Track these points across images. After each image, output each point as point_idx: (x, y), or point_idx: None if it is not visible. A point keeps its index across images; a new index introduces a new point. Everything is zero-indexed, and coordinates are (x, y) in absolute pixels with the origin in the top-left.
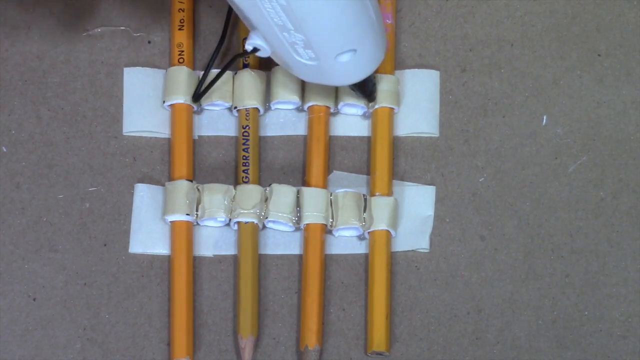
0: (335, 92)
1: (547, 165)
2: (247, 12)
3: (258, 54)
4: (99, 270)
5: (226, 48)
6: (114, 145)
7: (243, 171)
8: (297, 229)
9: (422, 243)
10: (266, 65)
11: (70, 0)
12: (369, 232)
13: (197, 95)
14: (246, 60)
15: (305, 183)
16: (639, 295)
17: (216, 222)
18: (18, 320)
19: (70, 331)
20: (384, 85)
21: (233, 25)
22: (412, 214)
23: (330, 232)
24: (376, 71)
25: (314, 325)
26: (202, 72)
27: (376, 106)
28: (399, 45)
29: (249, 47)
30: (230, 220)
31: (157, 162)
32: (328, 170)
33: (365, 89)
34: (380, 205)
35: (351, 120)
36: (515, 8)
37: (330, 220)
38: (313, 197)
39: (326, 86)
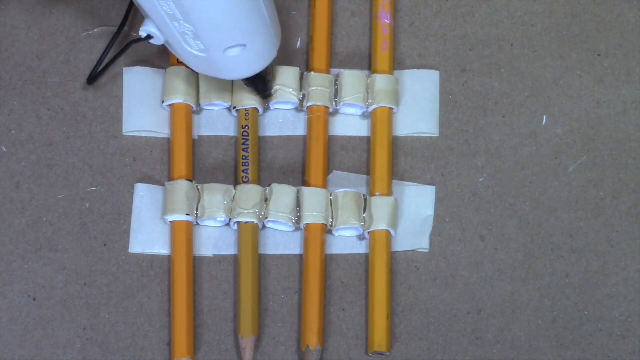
0: (335, 92)
1: (547, 165)
2: None
3: (152, 41)
4: (99, 270)
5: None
6: (114, 145)
7: (243, 171)
8: (297, 229)
9: (422, 243)
10: None
11: (70, 0)
12: (369, 232)
13: (91, 78)
14: None
15: (305, 183)
16: (639, 295)
17: (216, 222)
18: (18, 320)
19: (70, 331)
20: (383, 85)
21: None
22: (412, 214)
23: (330, 232)
24: (374, 70)
25: (314, 325)
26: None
27: (375, 106)
28: (399, 45)
29: (142, 33)
30: (230, 220)
31: (157, 162)
32: (328, 170)
33: (259, 85)
34: (380, 205)
35: (351, 120)
36: (515, 8)
37: (330, 220)
38: (313, 197)
39: (325, 86)
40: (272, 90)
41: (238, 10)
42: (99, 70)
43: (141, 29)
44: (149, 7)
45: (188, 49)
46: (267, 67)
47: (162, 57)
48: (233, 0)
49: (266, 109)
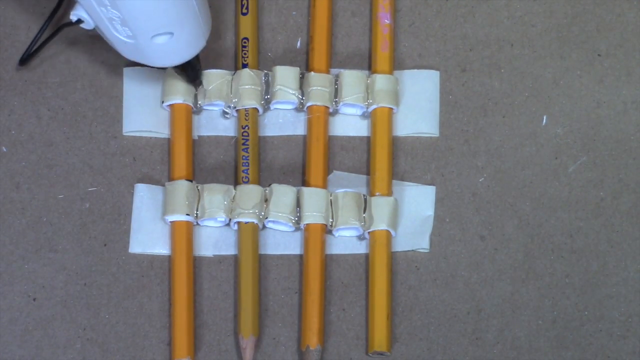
0: (334, 92)
1: (547, 165)
2: None
3: (82, 25)
4: (99, 270)
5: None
6: (114, 145)
7: (243, 171)
8: (297, 229)
9: (422, 243)
10: (266, 65)
11: (70, 1)
12: (369, 232)
13: (23, 60)
14: (245, 60)
15: (305, 183)
16: (639, 295)
17: (216, 222)
18: (18, 320)
19: (70, 331)
20: (383, 85)
21: None
22: (412, 214)
23: (330, 232)
24: (373, 70)
25: (315, 325)
26: None
27: (375, 106)
28: (399, 45)
29: (73, 17)
30: (230, 220)
31: (157, 162)
32: (328, 170)
33: (189, 73)
34: (380, 205)
35: (351, 120)
36: (515, 8)
37: (330, 220)
38: (313, 197)
39: (325, 86)
40: (202, 80)
41: None
42: (31, 52)
43: (71, 12)
44: None
45: (116, 35)
46: (197, 56)
47: None
48: None
49: (266, 109)
